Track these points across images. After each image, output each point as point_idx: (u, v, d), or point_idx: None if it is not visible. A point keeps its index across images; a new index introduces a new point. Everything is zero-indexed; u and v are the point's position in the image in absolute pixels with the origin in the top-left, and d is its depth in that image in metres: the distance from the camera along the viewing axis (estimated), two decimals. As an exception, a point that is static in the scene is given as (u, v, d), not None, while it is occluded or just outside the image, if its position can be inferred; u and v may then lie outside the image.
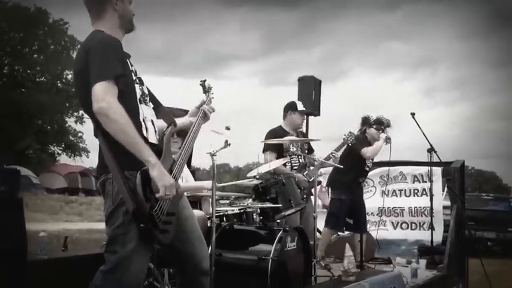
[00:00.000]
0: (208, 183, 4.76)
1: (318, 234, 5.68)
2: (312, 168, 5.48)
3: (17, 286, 3.60)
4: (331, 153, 5.60)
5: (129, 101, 2.61)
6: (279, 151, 5.41)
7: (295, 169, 5.40)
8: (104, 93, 2.44)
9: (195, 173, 7.03)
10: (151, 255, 2.77)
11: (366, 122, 6.54)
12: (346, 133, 5.77)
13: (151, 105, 2.89)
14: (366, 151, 6.19)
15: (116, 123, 2.44)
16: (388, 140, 6.32)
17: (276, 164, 5.12)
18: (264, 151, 5.45)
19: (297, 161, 5.47)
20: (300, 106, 5.70)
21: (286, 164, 5.42)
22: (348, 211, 6.18)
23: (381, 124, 6.48)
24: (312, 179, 5.34)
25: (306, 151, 5.63)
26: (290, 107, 5.68)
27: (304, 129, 6.48)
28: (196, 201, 5.07)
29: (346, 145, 5.78)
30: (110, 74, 2.49)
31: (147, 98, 2.85)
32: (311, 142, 5.89)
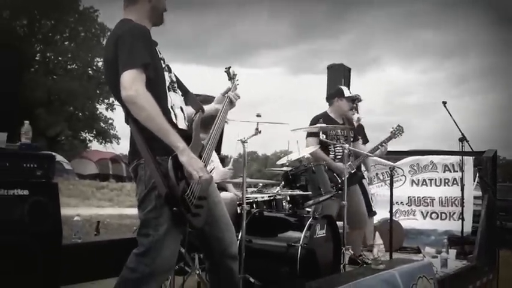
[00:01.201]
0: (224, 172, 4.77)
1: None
2: (359, 158, 5.47)
3: (52, 269, 3.69)
4: (379, 144, 5.57)
5: (158, 88, 2.65)
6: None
7: (338, 158, 5.34)
8: (132, 81, 2.48)
9: (224, 160, 7.08)
10: (182, 239, 2.82)
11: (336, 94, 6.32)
12: (394, 126, 5.71)
13: (180, 93, 2.93)
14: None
15: (144, 111, 2.48)
16: (359, 119, 6.22)
17: (307, 151, 5.11)
18: (306, 137, 5.41)
19: (341, 151, 5.35)
20: (347, 92, 5.62)
21: (330, 152, 5.38)
22: None
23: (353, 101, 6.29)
24: (354, 170, 5.33)
25: (352, 139, 5.55)
26: (337, 93, 5.62)
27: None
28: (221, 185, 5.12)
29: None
30: (138, 62, 2.53)
31: (176, 85, 2.89)
32: (359, 131, 5.82)
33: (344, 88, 5.71)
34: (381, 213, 6.99)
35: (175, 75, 2.94)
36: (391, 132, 5.69)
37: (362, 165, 6.42)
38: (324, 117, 5.41)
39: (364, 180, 6.48)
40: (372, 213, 6.31)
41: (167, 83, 2.78)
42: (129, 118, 2.63)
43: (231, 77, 3.31)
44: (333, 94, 5.67)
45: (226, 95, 3.19)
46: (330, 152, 5.37)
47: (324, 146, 5.32)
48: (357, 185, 5.53)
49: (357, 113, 6.40)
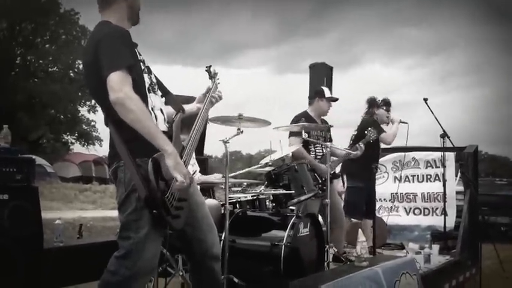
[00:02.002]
0: (216, 176, 4.79)
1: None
2: (335, 159, 5.48)
3: (33, 272, 3.66)
4: (358, 144, 5.59)
5: (139, 90, 2.62)
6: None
7: (318, 158, 5.36)
8: (120, 84, 2.46)
9: (207, 160, 7.06)
10: (163, 240, 2.80)
11: (373, 103, 6.49)
12: (368, 129, 5.73)
13: (160, 94, 2.91)
14: (387, 137, 6.16)
15: (133, 113, 2.46)
16: (402, 122, 6.30)
17: (289, 150, 5.12)
18: (289, 136, 5.40)
19: (321, 151, 5.39)
20: (328, 93, 5.65)
21: (311, 152, 5.39)
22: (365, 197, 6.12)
23: (389, 105, 6.46)
24: (333, 170, 5.35)
25: (329, 140, 5.56)
26: (317, 93, 5.65)
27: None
28: (208, 189, 5.11)
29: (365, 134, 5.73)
30: (124, 64, 2.51)
31: (156, 87, 2.88)
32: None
33: (325, 89, 5.74)
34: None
35: (155, 76, 2.93)
36: (365, 135, 5.72)
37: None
38: (305, 117, 5.42)
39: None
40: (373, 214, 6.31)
41: (147, 85, 2.77)
42: (109, 120, 2.61)
43: (212, 76, 3.31)
44: (313, 94, 5.70)
45: (207, 94, 3.18)
46: (311, 152, 5.39)
47: (305, 147, 5.32)
48: (334, 184, 5.55)
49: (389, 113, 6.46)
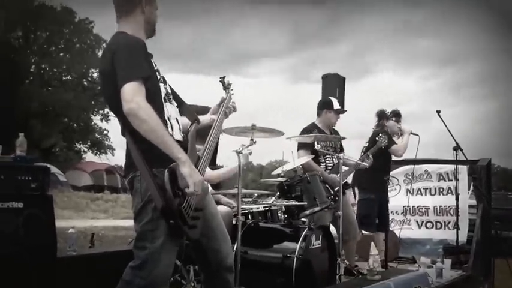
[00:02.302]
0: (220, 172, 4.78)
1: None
2: (346, 168, 5.47)
3: (47, 282, 3.68)
4: (366, 155, 5.58)
5: (154, 100, 2.65)
6: (313, 149, 5.29)
7: (329, 169, 5.34)
8: (133, 94, 2.48)
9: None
10: (179, 251, 2.82)
11: (382, 115, 6.49)
12: (379, 135, 5.74)
13: (175, 104, 2.94)
14: (399, 149, 6.14)
15: (146, 123, 2.48)
16: (413, 133, 6.28)
17: (300, 161, 5.12)
18: (297, 149, 5.40)
19: (331, 161, 5.38)
20: (336, 104, 5.63)
21: (321, 163, 5.39)
22: (377, 210, 6.11)
23: (399, 116, 6.45)
24: (345, 181, 5.33)
25: (339, 150, 5.55)
26: (326, 105, 5.64)
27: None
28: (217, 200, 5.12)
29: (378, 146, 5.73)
30: (138, 75, 2.53)
31: (171, 97, 2.90)
32: (342, 141, 5.84)
33: (333, 100, 5.72)
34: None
35: (170, 86, 2.96)
36: (376, 141, 5.72)
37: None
38: (314, 128, 5.43)
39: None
40: (387, 227, 6.28)
41: (163, 94, 2.79)
42: (126, 130, 2.64)
43: (226, 87, 3.34)
44: (321, 105, 5.69)
45: (221, 105, 3.21)
46: (321, 164, 5.38)
47: (315, 158, 5.32)
48: (347, 196, 5.54)
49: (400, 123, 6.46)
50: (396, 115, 6.51)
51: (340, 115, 5.74)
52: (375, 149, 5.67)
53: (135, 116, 2.48)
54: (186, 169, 2.50)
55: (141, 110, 2.47)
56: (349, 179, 6.67)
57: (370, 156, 5.57)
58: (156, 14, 2.92)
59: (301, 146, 5.34)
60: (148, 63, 2.71)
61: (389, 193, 6.25)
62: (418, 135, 6.42)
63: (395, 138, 6.43)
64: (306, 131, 5.44)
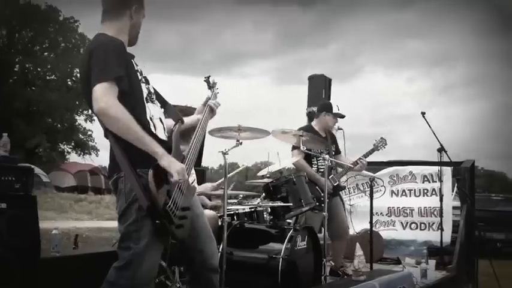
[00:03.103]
0: (206, 186, 4.80)
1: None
2: (339, 171, 5.46)
3: (30, 282, 3.65)
4: (359, 158, 5.59)
5: (135, 100, 2.66)
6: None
7: (321, 171, 5.32)
8: (102, 94, 2.47)
9: (205, 172, 7.06)
10: (163, 252, 2.80)
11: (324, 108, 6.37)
12: (377, 139, 5.76)
13: (158, 104, 2.93)
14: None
15: (117, 121, 2.48)
16: (339, 129, 6.26)
17: (286, 163, 5.11)
18: (292, 149, 5.37)
19: (324, 164, 5.37)
20: (336, 108, 5.61)
21: (313, 165, 5.37)
22: None
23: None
24: (337, 183, 5.33)
25: (333, 153, 5.55)
26: (325, 108, 5.63)
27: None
28: (203, 204, 5.10)
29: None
30: (111, 75, 2.52)
31: (154, 97, 2.89)
32: (338, 144, 5.84)
33: (333, 104, 5.70)
34: (361, 224, 7.02)
35: (153, 87, 2.94)
36: (374, 144, 5.74)
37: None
38: (308, 130, 5.41)
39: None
40: None
41: (145, 94, 2.78)
42: (108, 132, 2.62)
43: (211, 86, 3.35)
44: (321, 108, 5.68)
45: (206, 104, 3.21)
46: (313, 165, 5.37)
47: (307, 159, 5.32)
48: (338, 198, 5.54)
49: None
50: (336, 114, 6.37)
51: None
52: (371, 151, 5.69)
53: (105, 115, 2.47)
54: (164, 162, 2.51)
55: (110, 108, 2.46)
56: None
57: (364, 160, 5.57)
58: (140, 24, 2.91)
59: (295, 146, 5.34)
60: (126, 63, 2.68)
61: (374, 194, 6.25)
62: (342, 129, 6.35)
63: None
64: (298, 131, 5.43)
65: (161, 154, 2.52)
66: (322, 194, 4.99)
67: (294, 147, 5.33)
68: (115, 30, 2.77)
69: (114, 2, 2.82)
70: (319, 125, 5.61)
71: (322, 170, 5.32)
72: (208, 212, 4.46)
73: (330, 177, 5.21)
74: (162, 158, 2.51)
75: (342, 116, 5.74)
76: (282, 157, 5.16)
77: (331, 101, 5.97)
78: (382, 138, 5.78)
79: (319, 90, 7.64)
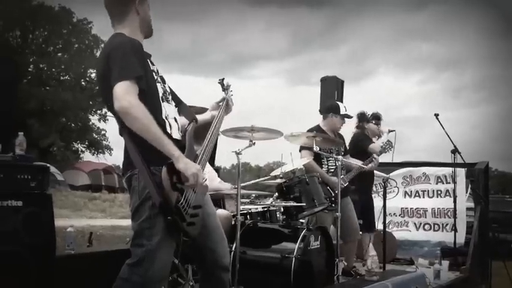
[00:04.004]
0: (226, 186, 4.82)
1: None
2: (351, 172, 5.45)
3: (45, 280, 3.68)
4: (371, 158, 5.59)
5: (151, 99, 2.67)
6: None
7: (331, 172, 5.32)
8: (124, 93, 2.50)
9: (219, 171, 7.07)
10: (176, 249, 2.82)
11: (363, 118, 6.51)
12: (384, 141, 5.77)
13: (173, 103, 2.95)
14: (374, 147, 6.14)
15: (138, 121, 2.50)
16: (391, 131, 6.30)
17: (299, 163, 5.12)
18: (300, 150, 5.39)
19: (334, 164, 5.34)
20: (343, 110, 5.61)
21: (323, 165, 5.37)
22: (359, 211, 6.05)
23: (379, 118, 6.48)
24: (347, 183, 5.32)
25: (343, 153, 5.54)
26: (333, 109, 5.62)
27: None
28: (219, 199, 5.12)
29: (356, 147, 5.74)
30: (131, 75, 2.55)
31: (169, 96, 2.91)
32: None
33: (341, 105, 5.69)
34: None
35: (169, 86, 2.97)
36: (381, 147, 5.75)
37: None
38: (317, 131, 5.41)
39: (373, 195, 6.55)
40: (373, 228, 6.27)
41: (160, 94, 2.80)
42: (124, 129, 2.65)
43: (225, 88, 3.36)
44: (328, 109, 5.68)
45: (222, 103, 3.23)
46: (323, 165, 5.36)
47: (317, 160, 5.32)
48: (349, 198, 5.53)
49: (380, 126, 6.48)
50: (375, 118, 6.53)
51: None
52: (379, 154, 5.69)
53: (126, 113, 2.50)
54: (180, 165, 2.52)
55: (132, 108, 2.49)
56: None
57: (375, 160, 5.58)
58: (149, 14, 2.92)
59: (303, 147, 5.34)
60: (143, 62, 2.71)
61: (387, 195, 6.24)
62: (394, 130, 6.40)
63: (375, 139, 6.45)
64: (309, 131, 5.44)
65: (177, 156, 2.54)
66: (333, 194, 5.00)
67: (302, 148, 5.34)
68: (129, 29, 2.80)
69: (116, 3, 2.86)
70: (327, 126, 5.60)
71: (332, 170, 5.33)
72: (222, 212, 4.48)
73: (340, 177, 5.20)
74: (178, 161, 2.53)
75: (350, 117, 5.76)
76: (294, 157, 5.17)
77: (338, 102, 5.95)
78: (388, 141, 5.80)
79: (332, 91, 7.62)
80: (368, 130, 6.47)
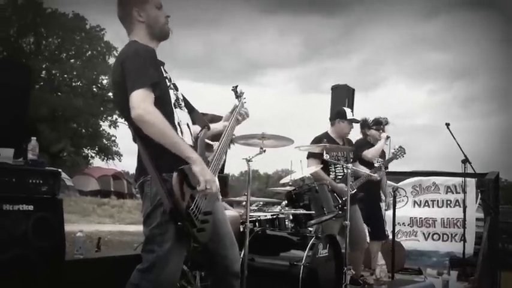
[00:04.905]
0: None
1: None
2: (359, 179, 5.44)
3: (55, 284, 3.71)
4: (379, 166, 5.59)
5: (164, 105, 2.69)
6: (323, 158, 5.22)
7: (339, 179, 5.32)
8: (140, 101, 2.53)
9: (227, 178, 7.09)
10: (186, 256, 2.84)
11: (364, 124, 6.51)
12: (395, 147, 5.76)
13: (186, 110, 2.97)
14: (367, 152, 6.12)
15: (154, 127, 2.53)
16: (388, 138, 6.29)
17: (308, 171, 5.13)
18: (307, 157, 5.40)
19: (342, 171, 5.35)
20: (350, 115, 5.61)
21: (331, 173, 5.37)
22: (366, 219, 6.02)
23: (380, 124, 6.45)
24: (355, 190, 5.31)
25: (351, 160, 5.53)
26: (339, 115, 5.62)
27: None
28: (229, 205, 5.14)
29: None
30: (146, 82, 2.58)
31: (182, 103, 2.94)
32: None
33: (347, 110, 5.71)
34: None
35: (181, 93, 3.00)
36: (393, 153, 5.74)
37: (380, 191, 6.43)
38: (325, 138, 5.42)
39: (381, 204, 6.51)
40: (383, 236, 6.24)
41: (173, 100, 2.84)
42: (137, 136, 2.68)
43: (238, 95, 3.37)
44: (335, 115, 5.69)
45: (233, 112, 3.24)
46: (331, 173, 5.36)
47: (325, 167, 5.32)
48: (356, 206, 5.52)
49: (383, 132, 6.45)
50: (377, 123, 6.50)
51: (354, 125, 5.75)
52: (390, 160, 5.68)
53: (143, 121, 2.53)
54: (197, 168, 2.55)
55: (148, 114, 2.52)
56: None
57: (383, 168, 5.57)
58: (159, 14, 2.90)
59: (310, 154, 5.35)
60: (157, 70, 2.75)
61: (396, 204, 6.23)
62: (389, 137, 6.39)
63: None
64: (317, 139, 5.44)
65: (195, 159, 2.56)
66: (340, 202, 4.99)
67: (309, 155, 5.35)
68: (140, 37, 2.84)
69: (120, 13, 2.91)
70: (335, 132, 5.60)
71: (340, 177, 5.32)
72: (231, 213, 4.49)
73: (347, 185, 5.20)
74: (195, 164, 2.55)
75: (357, 121, 5.76)
76: (304, 165, 5.18)
77: (345, 108, 5.95)
78: (400, 147, 5.77)
79: (343, 100, 7.63)
80: (370, 136, 6.47)
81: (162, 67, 2.85)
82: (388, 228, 6.10)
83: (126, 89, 2.59)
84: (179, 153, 2.56)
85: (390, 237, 5.90)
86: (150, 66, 2.66)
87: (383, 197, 6.77)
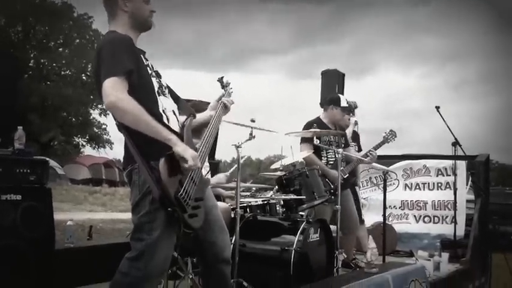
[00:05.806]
0: (219, 177, 4.82)
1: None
2: (351, 164, 5.44)
3: (45, 273, 3.70)
4: (369, 151, 5.57)
5: (146, 93, 2.69)
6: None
7: (331, 164, 5.32)
8: (111, 89, 2.51)
9: (218, 165, 7.08)
10: (176, 242, 2.83)
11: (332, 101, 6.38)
12: (386, 131, 5.75)
13: (171, 98, 2.95)
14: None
15: (128, 113, 2.51)
16: (356, 123, 6.26)
17: (299, 156, 5.12)
18: (301, 142, 5.37)
19: (333, 157, 5.32)
20: (344, 102, 5.57)
21: (322, 158, 5.35)
22: None
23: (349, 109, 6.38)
24: (347, 175, 5.31)
25: (343, 145, 5.51)
26: (333, 101, 5.59)
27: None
28: (218, 195, 5.13)
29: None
30: (119, 70, 2.56)
31: (166, 90, 2.92)
32: (348, 137, 5.82)
33: (341, 97, 5.67)
34: (374, 217, 7.01)
35: (165, 82, 2.97)
36: (384, 137, 5.72)
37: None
38: (317, 123, 5.40)
39: (356, 188, 6.51)
40: (360, 220, 6.27)
41: (156, 88, 2.81)
42: (121, 125, 2.66)
43: (224, 86, 3.37)
44: (329, 101, 5.66)
45: (220, 100, 3.23)
46: (323, 158, 5.35)
47: (317, 152, 5.32)
48: (348, 190, 5.53)
49: (353, 116, 6.41)
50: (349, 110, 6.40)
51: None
52: (381, 144, 5.67)
53: (115, 108, 2.51)
54: (178, 148, 2.52)
55: (120, 101, 2.49)
56: None
57: (374, 153, 5.56)
58: (145, 7, 2.88)
59: (303, 139, 5.34)
60: (135, 58, 2.71)
61: (387, 188, 6.23)
62: (357, 122, 6.39)
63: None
64: (308, 124, 5.41)
65: (175, 141, 2.54)
66: (332, 187, 5.00)
67: (302, 140, 5.34)
68: (120, 27, 2.82)
69: (104, 1, 2.88)
70: (328, 118, 5.58)
71: (331, 162, 5.32)
72: (221, 204, 4.48)
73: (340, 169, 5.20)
74: (176, 144, 2.53)
75: (350, 110, 5.73)
76: (294, 151, 5.17)
77: (340, 95, 5.92)
78: (391, 130, 5.75)
79: (333, 84, 7.63)
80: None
81: (142, 55, 2.83)
82: (380, 212, 6.10)
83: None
84: (158, 137, 2.53)
85: (381, 220, 5.90)
86: (123, 54, 2.62)
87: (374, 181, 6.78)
